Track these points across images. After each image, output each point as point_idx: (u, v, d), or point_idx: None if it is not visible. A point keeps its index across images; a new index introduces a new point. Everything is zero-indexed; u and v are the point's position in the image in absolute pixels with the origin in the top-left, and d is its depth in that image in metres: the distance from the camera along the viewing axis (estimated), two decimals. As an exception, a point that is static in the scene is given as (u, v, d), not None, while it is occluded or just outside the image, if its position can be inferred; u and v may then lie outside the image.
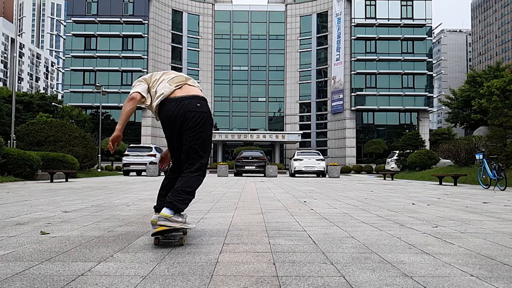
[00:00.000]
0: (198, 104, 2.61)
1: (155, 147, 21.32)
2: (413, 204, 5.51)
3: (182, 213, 2.52)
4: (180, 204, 2.40)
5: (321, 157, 21.05)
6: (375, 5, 48.24)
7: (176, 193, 2.43)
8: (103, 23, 47.92)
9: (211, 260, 2.07)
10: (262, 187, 9.62)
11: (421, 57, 47.81)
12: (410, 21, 47.93)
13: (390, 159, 28.66)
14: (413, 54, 47.86)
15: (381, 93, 47.51)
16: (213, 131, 47.62)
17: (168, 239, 2.49)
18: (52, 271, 1.82)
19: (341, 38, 48.56)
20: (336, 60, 49.17)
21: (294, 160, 20.77)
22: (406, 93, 47.48)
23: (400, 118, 48.84)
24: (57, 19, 63.92)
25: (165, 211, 2.36)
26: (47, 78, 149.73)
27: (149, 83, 2.75)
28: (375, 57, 47.63)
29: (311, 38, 53.04)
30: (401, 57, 47.57)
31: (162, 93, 2.63)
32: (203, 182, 2.72)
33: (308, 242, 2.58)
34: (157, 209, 2.65)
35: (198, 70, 52.57)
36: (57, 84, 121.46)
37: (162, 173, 20.68)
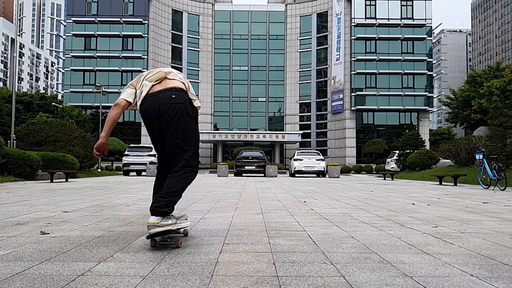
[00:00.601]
0: (173, 96, 2.52)
1: (155, 147, 21.30)
2: (413, 204, 5.51)
3: (174, 214, 2.48)
4: (163, 208, 2.33)
5: (321, 157, 21.04)
6: (375, 5, 48.26)
7: (160, 198, 2.38)
8: (103, 23, 47.93)
9: (211, 260, 2.07)
10: (262, 187, 9.62)
11: (421, 57, 47.83)
12: (410, 21, 47.95)
13: (390, 159, 28.66)
14: (413, 54, 47.88)
15: (381, 93, 47.52)
16: (213, 131, 47.64)
17: (164, 241, 2.46)
18: (52, 271, 1.82)
19: (341, 38, 48.57)
20: (336, 60, 49.18)
21: (294, 160, 20.76)
22: (406, 93, 47.50)
23: (400, 118, 48.85)
24: (57, 19, 64.01)
25: (151, 219, 2.32)
26: (47, 78, 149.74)
27: (136, 85, 2.73)
28: (375, 57, 47.64)
29: (311, 38, 53.05)
30: (401, 57, 47.59)
31: (142, 92, 2.61)
32: (195, 178, 2.64)
33: (308, 242, 2.57)
34: None
35: (198, 70, 52.58)
36: (57, 84, 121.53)
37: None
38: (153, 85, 2.62)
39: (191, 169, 2.51)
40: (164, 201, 2.35)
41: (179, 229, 2.38)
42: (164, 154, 2.68)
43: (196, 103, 2.70)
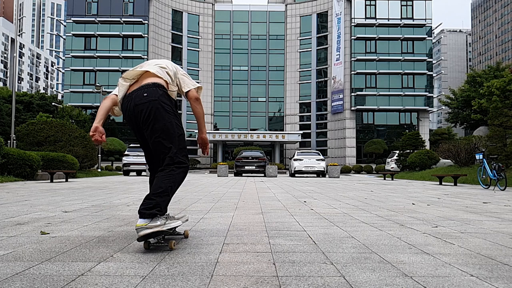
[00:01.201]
0: (145, 94, 2.38)
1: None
2: (413, 204, 5.51)
3: (173, 215, 2.45)
4: (149, 210, 2.25)
5: (321, 157, 21.03)
6: (375, 5, 48.27)
7: (146, 200, 2.30)
8: (103, 23, 47.94)
9: (211, 260, 2.07)
10: (262, 187, 9.61)
11: (421, 57, 47.83)
12: (410, 21, 47.95)
13: (390, 159, 28.66)
14: (413, 54, 47.89)
15: (381, 93, 47.53)
16: (213, 131, 47.60)
17: (158, 243, 2.38)
18: (52, 271, 1.82)
19: (341, 38, 48.57)
20: (336, 60, 49.18)
21: (294, 160, 20.76)
22: (406, 93, 47.50)
23: (400, 118, 48.85)
24: (57, 19, 63.95)
25: (139, 222, 2.24)
26: (47, 78, 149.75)
27: None
28: (375, 57, 47.64)
29: (311, 38, 53.05)
30: (401, 57, 47.59)
31: (119, 93, 2.53)
32: (186, 176, 2.53)
33: (308, 242, 2.57)
34: None
35: (198, 70, 52.58)
36: (57, 84, 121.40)
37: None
38: (130, 85, 2.53)
39: (177, 166, 2.37)
40: (150, 202, 2.27)
41: (170, 229, 2.30)
42: (151, 154, 2.62)
43: (188, 86, 2.56)
